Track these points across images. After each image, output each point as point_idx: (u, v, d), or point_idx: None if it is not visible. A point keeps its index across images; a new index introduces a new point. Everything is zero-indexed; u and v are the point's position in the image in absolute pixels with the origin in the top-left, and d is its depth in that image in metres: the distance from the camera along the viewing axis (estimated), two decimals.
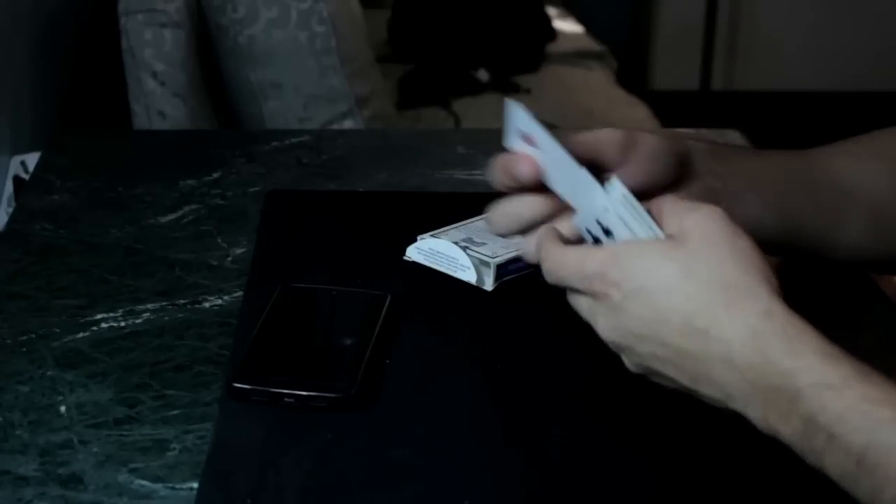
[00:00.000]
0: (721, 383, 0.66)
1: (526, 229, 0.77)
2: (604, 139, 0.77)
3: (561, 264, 0.72)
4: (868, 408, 0.60)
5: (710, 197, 0.79)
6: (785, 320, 0.65)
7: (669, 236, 0.70)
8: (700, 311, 0.67)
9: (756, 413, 0.65)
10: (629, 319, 0.69)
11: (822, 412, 0.61)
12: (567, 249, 0.73)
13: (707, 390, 0.67)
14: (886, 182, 0.88)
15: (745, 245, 0.68)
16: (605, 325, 0.71)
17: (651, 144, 0.78)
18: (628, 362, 0.71)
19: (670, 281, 0.67)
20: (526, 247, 0.77)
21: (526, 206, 0.77)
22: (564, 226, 0.75)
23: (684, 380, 0.68)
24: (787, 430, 0.63)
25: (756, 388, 0.64)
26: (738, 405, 0.66)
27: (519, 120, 0.76)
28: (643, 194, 0.74)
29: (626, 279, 0.69)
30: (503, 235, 0.80)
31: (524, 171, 0.76)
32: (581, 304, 0.72)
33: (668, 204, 0.72)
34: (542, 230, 0.76)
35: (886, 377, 0.62)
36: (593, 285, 0.70)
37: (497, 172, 0.77)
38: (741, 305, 0.66)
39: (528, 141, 0.75)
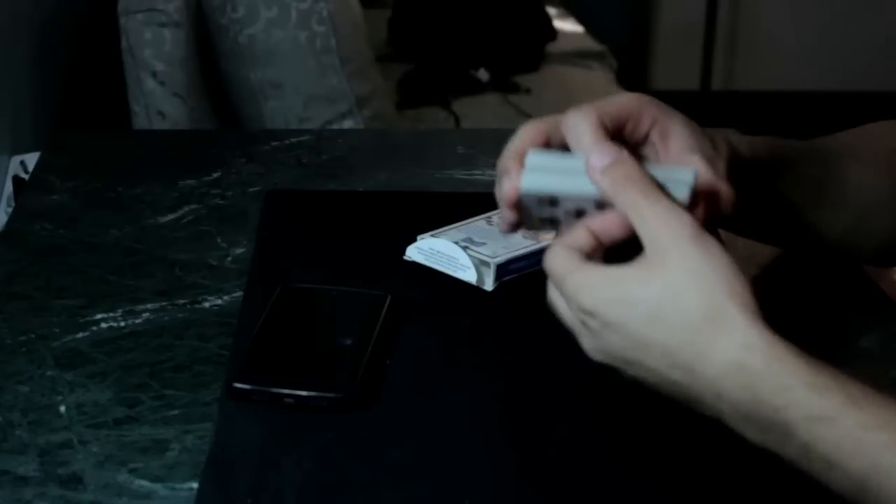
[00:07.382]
0: (713, 409, 0.66)
1: None
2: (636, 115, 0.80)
3: (561, 269, 0.69)
4: (863, 434, 0.60)
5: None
6: (767, 352, 0.63)
7: (643, 258, 0.67)
8: (681, 346, 0.65)
9: (753, 437, 0.65)
10: (611, 347, 0.68)
11: (818, 442, 0.61)
12: (558, 254, 0.69)
13: (701, 409, 0.67)
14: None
15: (720, 264, 0.65)
16: (589, 347, 0.70)
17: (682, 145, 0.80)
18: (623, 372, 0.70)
19: (649, 314, 0.65)
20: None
21: None
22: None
23: (678, 398, 0.67)
24: (785, 453, 0.63)
25: (749, 419, 0.64)
26: (733, 426, 0.65)
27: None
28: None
29: (602, 312, 0.67)
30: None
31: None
32: (565, 316, 0.71)
33: (643, 202, 0.67)
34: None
35: (878, 393, 0.62)
36: (571, 306, 0.69)
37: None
38: (721, 340, 0.64)
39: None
